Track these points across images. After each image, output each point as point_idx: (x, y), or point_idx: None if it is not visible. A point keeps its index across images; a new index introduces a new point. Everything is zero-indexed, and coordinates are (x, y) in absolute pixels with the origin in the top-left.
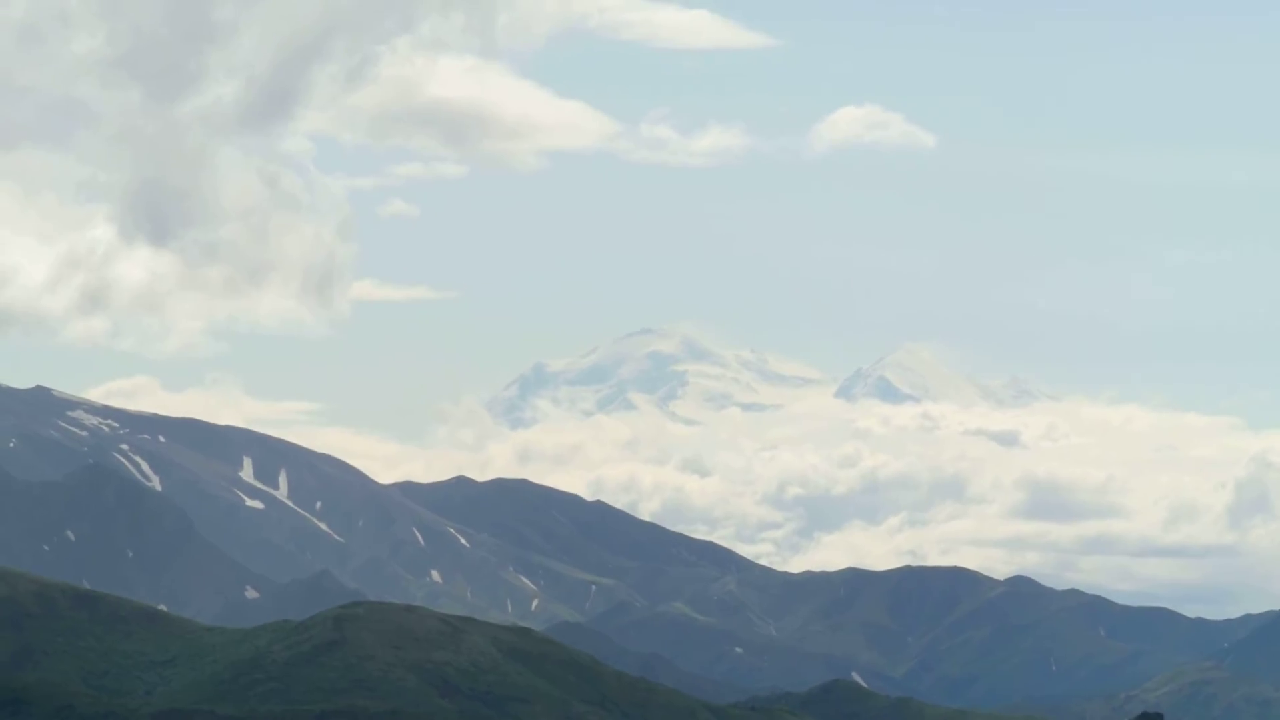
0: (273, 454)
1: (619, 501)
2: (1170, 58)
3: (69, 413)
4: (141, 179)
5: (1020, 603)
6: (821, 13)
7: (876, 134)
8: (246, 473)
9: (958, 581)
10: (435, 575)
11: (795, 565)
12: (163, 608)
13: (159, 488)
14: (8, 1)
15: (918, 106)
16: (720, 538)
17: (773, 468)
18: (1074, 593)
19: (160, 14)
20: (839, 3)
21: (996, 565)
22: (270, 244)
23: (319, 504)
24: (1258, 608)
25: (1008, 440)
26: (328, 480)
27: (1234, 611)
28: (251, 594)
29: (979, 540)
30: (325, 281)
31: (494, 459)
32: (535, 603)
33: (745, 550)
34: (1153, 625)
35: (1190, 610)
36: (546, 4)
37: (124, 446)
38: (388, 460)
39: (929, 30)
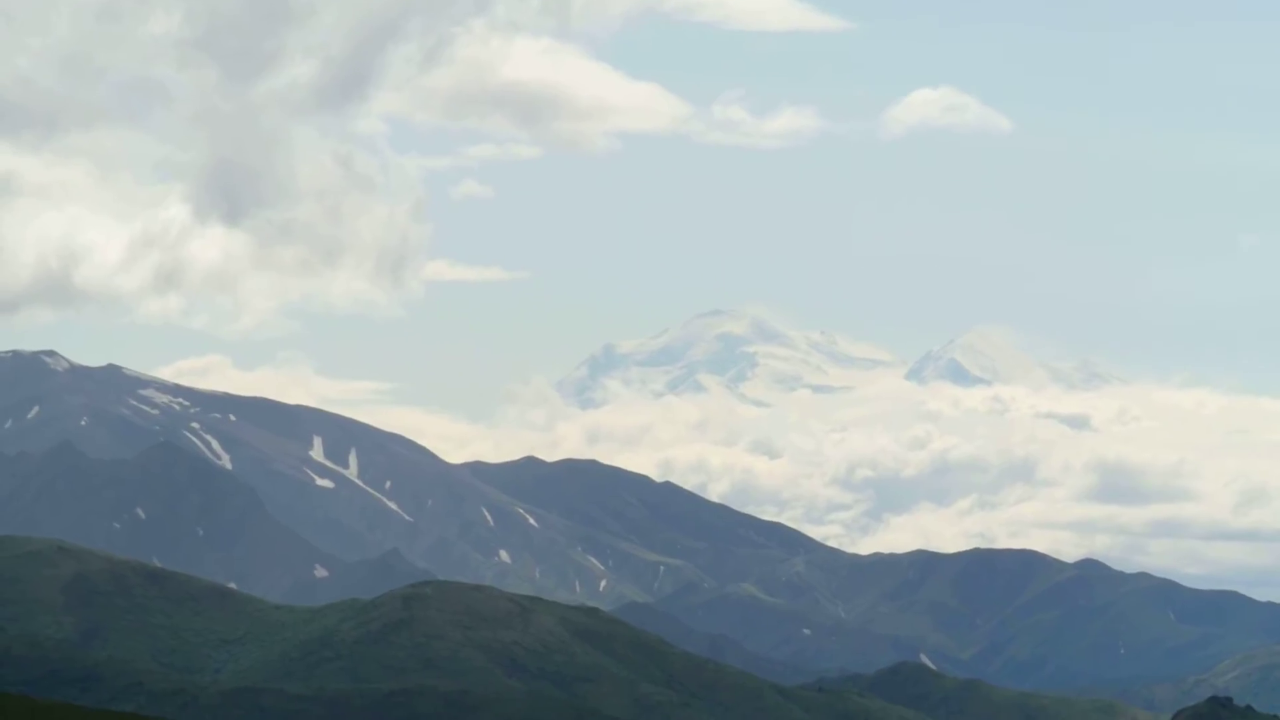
0: (343, 433)
1: (688, 483)
2: (1247, 45)
3: (140, 391)
4: (217, 159)
5: (1089, 586)
6: None
7: (952, 117)
8: (317, 452)
9: (1027, 564)
10: (504, 555)
11: (864, 547)
12: (232, 586)
13: (229, 466)
14: None
15: (994, 90)
16: (789, 519)
17: (842, 449)
18: (1143, 576)
19: None
20: None
21: (1066, 548)
22: (344, 224)
23: (388, 483)
24: None
25: (1078, 423)
26: (397, 460)
27: None
28: (321, 573)
29: (1048, 523)
30: (398, 263)
31: (563, 439)
32: (604, 583)
33: (814, 532)
34: (1223, 609)
35: (1260, 594)
36: None
37: (195, 425)
38: (457, 440)
39: (1006, 13)
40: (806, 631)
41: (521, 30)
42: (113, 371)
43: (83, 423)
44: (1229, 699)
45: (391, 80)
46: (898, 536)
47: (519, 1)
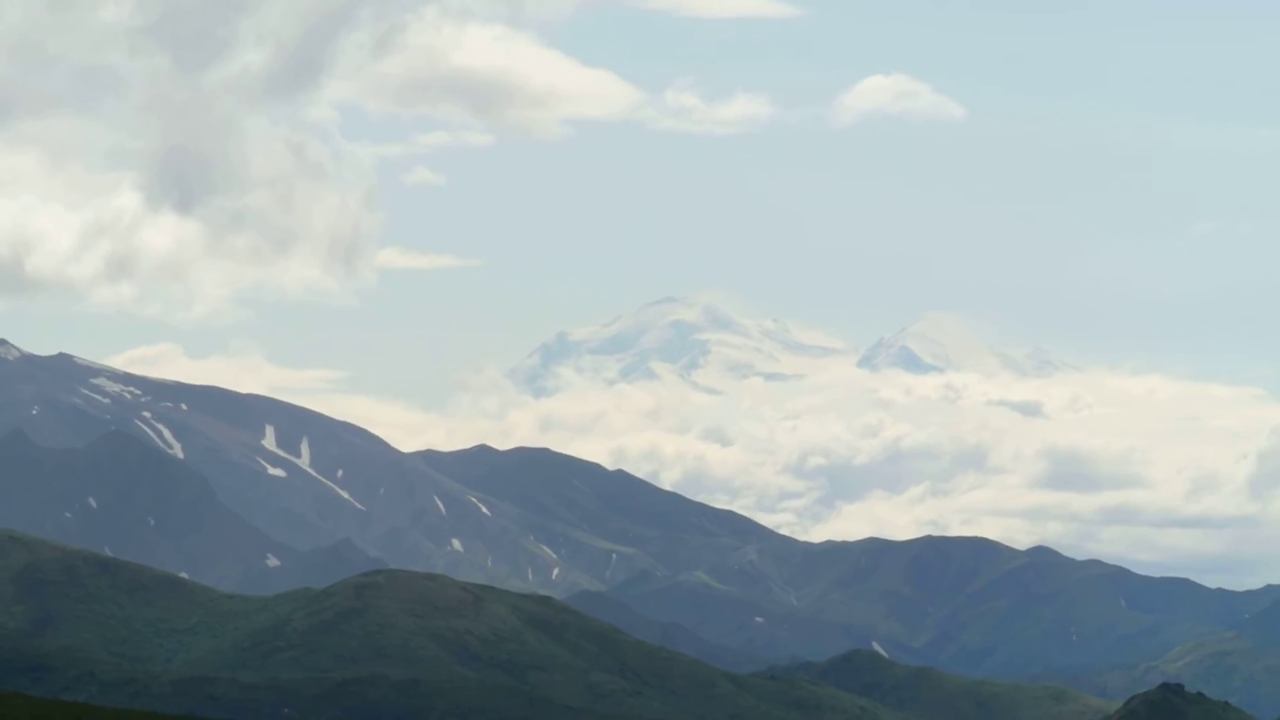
0: (295, 422)
1: (640, 471)
2: (1197, 31)
3: (92, 380)
4: (169, 147)
5: (1041, 573)
6: None
7: (904, 104)
8: (269, 441)
9: (979, 552)
10: (456, 544)
11: (816, 535)
12: (184, 575)
13: (181, 455)
14: None
15: (947, 77)
16: (741, 507)
17: (795, 437)
18: (1095, 563)
19: None
20: None
21: (1018, 535)
22: (296, 212)
23: (341, 472)
24: (1278, 578)
25: (1030, 410)
26: (350, 449)
27: (1255, 583)
28: (273, 562)
29: (1000, 510)
30: (351, 250)
31: (516, 428)
32: (556, 571)
33: (766, 520)
34: (1174, 596)
35: (1211, 581)
36: None
37: (146, 414)
38: (410, 429)
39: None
40: (759, 620)
41: (474, 17)
42: (64, 360)
43: (34, 412)
44: (1180, 686)
45: (343, 68)
46: (850, 524)
47: None
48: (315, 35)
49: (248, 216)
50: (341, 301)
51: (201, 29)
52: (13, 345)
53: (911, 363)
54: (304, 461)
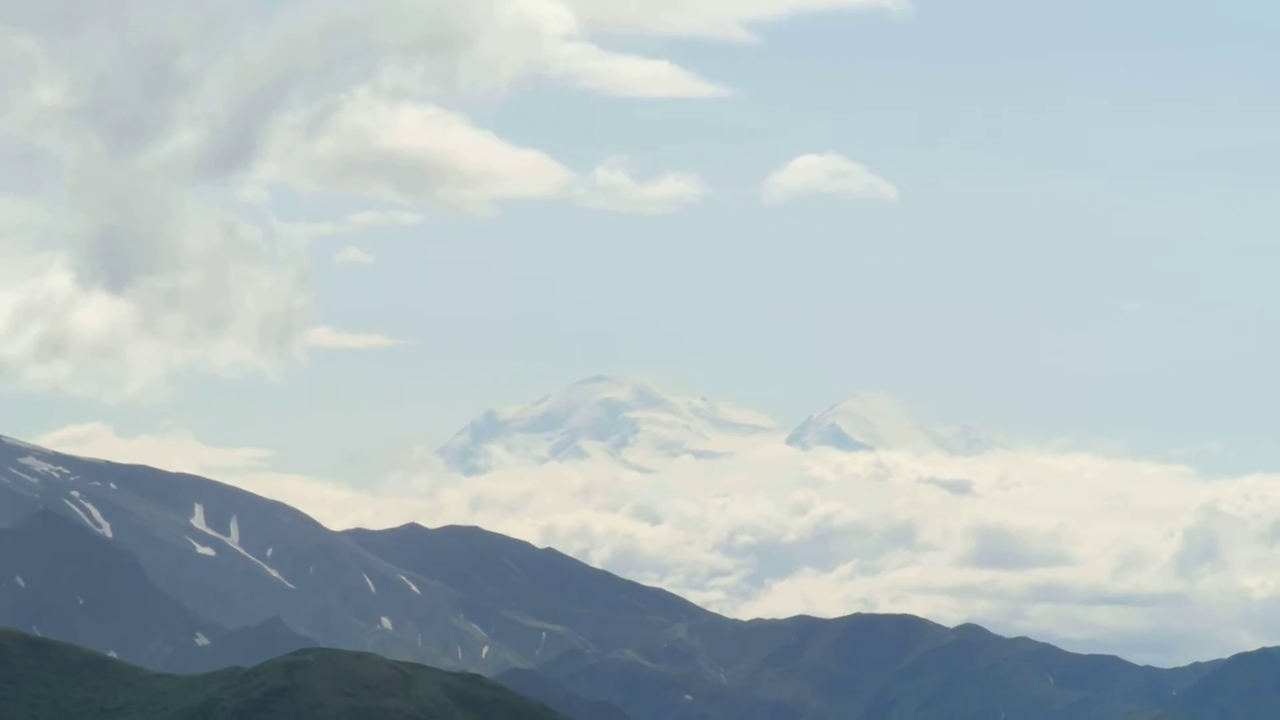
0: (224, 501)
1: (571, 549)
2: (1127, 110)
3: (20, 459)
4: (101, 227)
5: (970, 650)
6: (781, 64)
7: (837, 184)
8: (198, 520)
9: (908, 629)
10: (386, 622)
11: (746, 613)
12: (113, 654)
13: (110, 534)
14: None
15: (879, 158)
16: (670, 585)
17: (724, 515)
18: (1024, 640)
19: (123, 63)
20: (798, 54)
21: (946, 613)
22: (229, 293)
23: (270, 551)
24: (1206, 656)
25: (960, 488)
26: (279, 527)
27: (1182, 660)
28: (202, 641)
29: (929, 588)
30: (284, 331)
31: (447, 506)
32: (486, 649)
33: (696, 598)
34: (1102, 673)
35: (1139, 658)
36: (508, 53)
37: (74, 493)
38: (340, 507)
39: (891, 82)
40: (689, 697)
41: (406, 98)
42: None
43: None
44: None
45: (275, 148)
46: (779, 602)
47: (404, 69)
48: (248, 116)
49: (180, 296)
50: (272, 381)
51: (135, 111)
52: None
53: (841, 440)
54: (233, 540)
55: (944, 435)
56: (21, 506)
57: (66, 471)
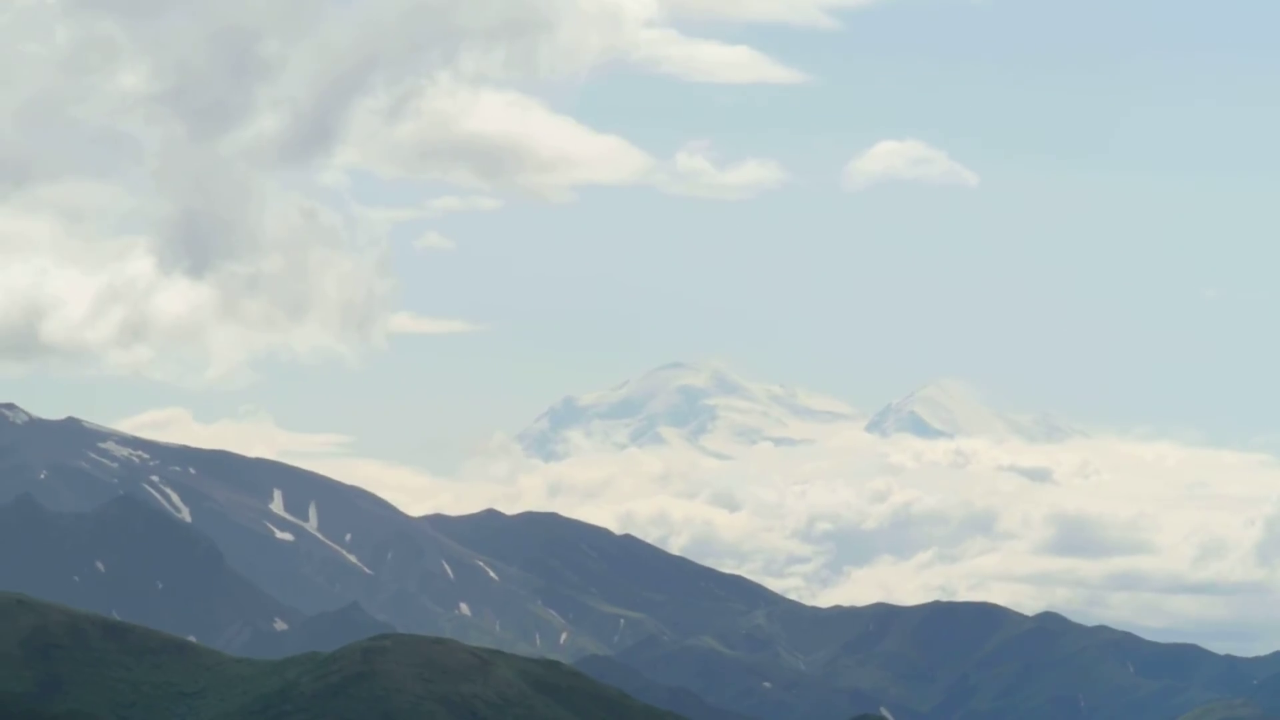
0: (303, 486)
1: (649, 535)
2: (1210, 97)
3: (100, 444)
4: (183, 212)
5: (1049, 639)
6: (863, 51)
7: (917, 170)
8: (276, 505)
9: (986, 617)
10: (464, 608)
11: (824, 600)
12: (192, 639)
13: (189, 519)
14: (53, 34)
15: (960, 144)
16: (749, 572)
17: (803, 502)
18: (1103, 629)
19: (205, 48)
20: (880, 41)
21: (1025, 601)
22: (309, 278)
23: (349, 536)
24: None
25: (1039, 476)
26: (358, 513)
27: (1263, 649)
28: (280, 626)
29: (1008, 576)
30: (364, 317)
31: (525, 492)
32: (564, 636)
33: (774, 584)
34: (1181, 662)
35: (1219, 647)
36: (588, 38)
37: (154, 478)
38: (418, 493)
39: (974, 67)
40: (766, 684)
41: (488, 83)
42: (72, 424)
43: (42, 476)
44: None
45: (356, 133)
46: (858, 589)
47: (485, 54)
48: (330, 101)
49: (261, 281)
50: (352, 366)
51: (217, 95)
52: (21, 410)
53: (920, 428)
54: (312, 525)
55: (1023, 422)
56: (102, 491)
57: (146, 456)
